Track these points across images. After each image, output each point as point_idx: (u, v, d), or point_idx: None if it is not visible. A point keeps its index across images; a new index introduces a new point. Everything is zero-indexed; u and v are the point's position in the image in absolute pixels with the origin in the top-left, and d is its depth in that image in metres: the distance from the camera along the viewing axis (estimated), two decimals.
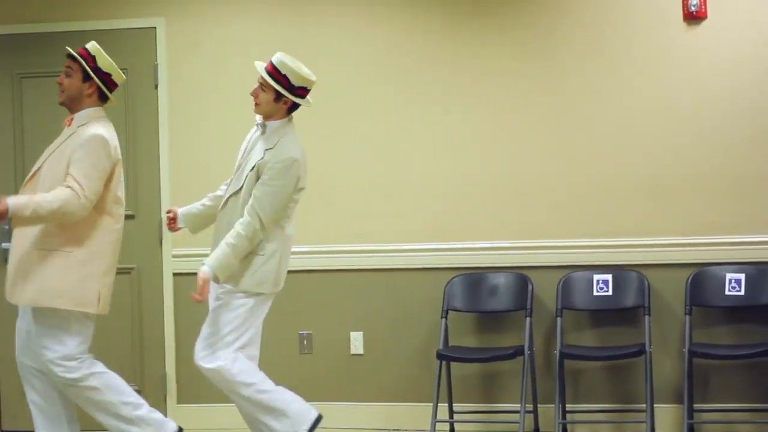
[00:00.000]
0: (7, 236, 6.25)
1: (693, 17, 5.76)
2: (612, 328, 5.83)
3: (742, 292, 5.63)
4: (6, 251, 6.26)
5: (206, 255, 6.09)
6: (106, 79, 4.75)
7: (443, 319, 5.85)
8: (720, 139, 5.74)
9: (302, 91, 4.76)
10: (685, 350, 5.53)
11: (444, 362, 5.75)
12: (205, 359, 4.72)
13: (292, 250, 6.06)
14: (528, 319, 5.73)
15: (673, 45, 5.79)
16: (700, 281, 5.68)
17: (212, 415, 6.13)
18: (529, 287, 5.79)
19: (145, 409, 4.74)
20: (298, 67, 4.73)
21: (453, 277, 5.92)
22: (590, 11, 5.86)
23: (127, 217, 6.15)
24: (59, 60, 6.24)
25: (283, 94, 4.72)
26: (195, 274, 6.05)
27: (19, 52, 6.27)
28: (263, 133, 4.81)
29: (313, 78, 4.77)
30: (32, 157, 6.20)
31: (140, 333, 6.22)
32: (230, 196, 4.78)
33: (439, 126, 6.00)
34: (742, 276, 5.64)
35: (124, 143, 6.25)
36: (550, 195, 5.90)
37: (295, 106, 4.81)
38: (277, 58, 4.76)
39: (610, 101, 5.85)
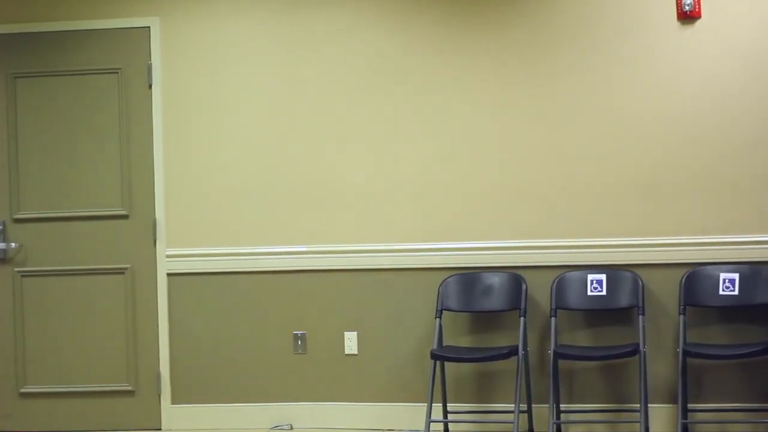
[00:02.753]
0: (1, 236, 6.26)
1: (687, 17, 5.76)
2: (606, 328, 5.83)
3: (736, 292, 5.62)
4: (4, 251, 6.27)
5: (201, 255, 6.18)
6: None
7: (437, 319, 5.84)
8: (714, 138, 5.74)
9: None
10: (679, 350, 5.53)
11: (438, 362, 5.74)
12: None
13: (286, 249, 6.12)
14: (522, 318, 5.73)
15: (668, 45, 5.79)
16: (694, 281, 5.67)
17: (206, 414, 6.13)
18: (523, 287, 5.79)
19: None
20: None
21: (447, 277, 5.92)
22: (584, 10, 5.86)
23: (121, 217, 6.21)
24: (53, 59, 6.28)
25: None
26: (189, 274, 6.18)
27: (13, 51, 6.25)
28: None
29: None
30: (26, 157, 6.24)
31: (134, 333, 6.20)
32: None
33: (433, 127, 5.99)
34: (736, 276, 5.64)
35: (117, 143, 6.27)
36: (544, 195, 5.89)
37: None
38: None
39: (604, 101, 5.84)
